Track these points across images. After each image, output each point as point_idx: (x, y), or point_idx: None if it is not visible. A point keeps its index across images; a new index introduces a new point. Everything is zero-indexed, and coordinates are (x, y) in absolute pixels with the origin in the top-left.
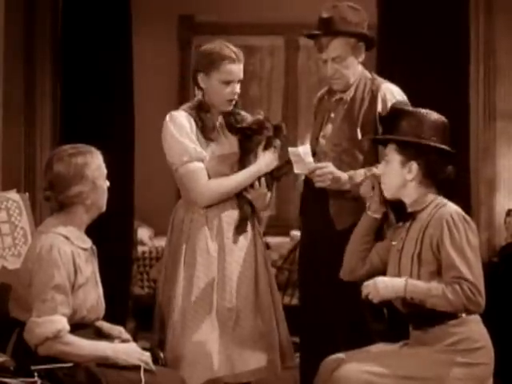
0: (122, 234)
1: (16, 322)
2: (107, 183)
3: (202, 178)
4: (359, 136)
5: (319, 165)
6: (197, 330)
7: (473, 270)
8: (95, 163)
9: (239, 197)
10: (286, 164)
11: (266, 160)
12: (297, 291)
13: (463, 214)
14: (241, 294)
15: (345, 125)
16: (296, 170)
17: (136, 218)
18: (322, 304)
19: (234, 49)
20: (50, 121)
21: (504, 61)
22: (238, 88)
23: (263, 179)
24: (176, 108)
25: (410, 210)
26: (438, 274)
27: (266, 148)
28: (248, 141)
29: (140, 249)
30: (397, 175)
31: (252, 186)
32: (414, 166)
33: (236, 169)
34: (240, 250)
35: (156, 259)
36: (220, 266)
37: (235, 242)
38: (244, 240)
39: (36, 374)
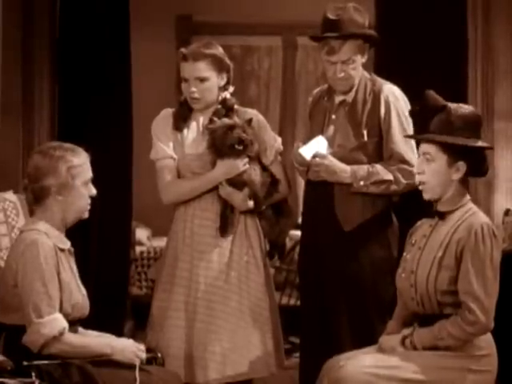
0: (120, 234)
1: (2, 326)
2: (92, 190)
3: (164, 176)
4: (365, 137)
5: (320, 154)
6: (164, 335)
7: (486, 288)
8: (74, 162)
9: (219, 195)
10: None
11: (222, 169)
12: (295, 291)
13: (493, 227)
14: (206, 295)
15: (348, 126)
16: (301, 150)
17: (134, 218)
18: (323, 304)
19: (194, 48)
20: (48, 121)
21: (502, 62)
22: (192, 88)
23: (224, 183)
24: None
25: (440, 208)
26: (455, 281)
27: (229, 154)
28: (218, 143)
29: (138, 249)
30: (443, 175)
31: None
32: (463, 165)
33: (210, 168)
34: (211, 250)
35: (154, 259)
36: (186, 267)
37: (206, 241)
38: (218, 240)
39: (33, 374)
